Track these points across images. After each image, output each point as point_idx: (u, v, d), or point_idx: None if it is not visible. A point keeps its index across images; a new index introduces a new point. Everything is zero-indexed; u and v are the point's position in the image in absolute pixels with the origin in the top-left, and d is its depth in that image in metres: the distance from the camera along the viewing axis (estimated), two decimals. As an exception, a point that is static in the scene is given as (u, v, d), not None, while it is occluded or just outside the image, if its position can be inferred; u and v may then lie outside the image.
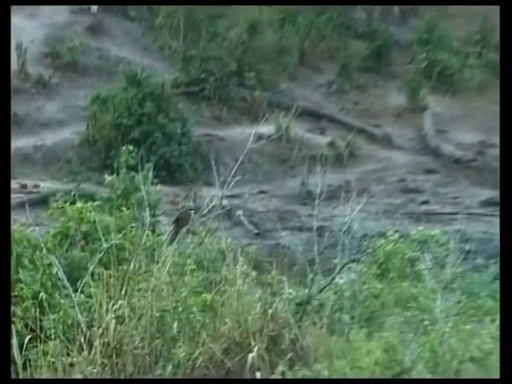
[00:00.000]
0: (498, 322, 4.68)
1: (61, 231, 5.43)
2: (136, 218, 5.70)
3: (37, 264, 5.03)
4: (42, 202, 8.79)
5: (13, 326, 4.59)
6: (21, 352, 4.48)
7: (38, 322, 4.68)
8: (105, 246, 5.02)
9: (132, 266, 4.93)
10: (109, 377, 4.53)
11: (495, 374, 4.31)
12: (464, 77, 16.54)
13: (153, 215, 6.14)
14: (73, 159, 13.10)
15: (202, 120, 14.71)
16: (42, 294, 4.76)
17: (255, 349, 4.61)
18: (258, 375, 4.55)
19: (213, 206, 5.86)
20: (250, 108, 15.03)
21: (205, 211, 5.92)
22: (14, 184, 11.30)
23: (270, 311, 4.79)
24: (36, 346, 4.57)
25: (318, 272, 5.17)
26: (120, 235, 5.20)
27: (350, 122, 15.36)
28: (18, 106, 13.37)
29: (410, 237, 6.16)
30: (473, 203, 12.73)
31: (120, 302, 4.70)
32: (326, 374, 4.52)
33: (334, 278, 5.27)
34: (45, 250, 5.09)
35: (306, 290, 5.07)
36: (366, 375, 4.55)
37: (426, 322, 4.90)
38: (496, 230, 9.44)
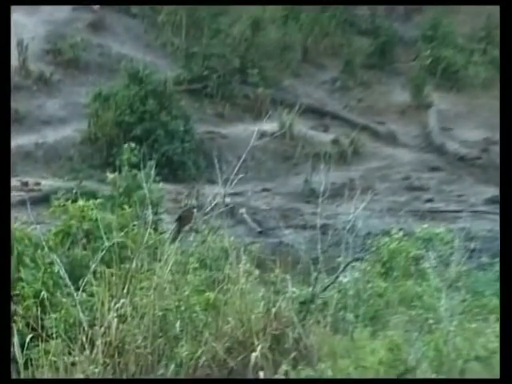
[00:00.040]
0: (502, 320, 4.63)
1: (62, 229, 5.41)
2: (138, 216, 5.67)
3: (38, 262, 5.00)
4: (43, 199, 8.77)
5: (14, 324, 4.57)
6: (22, 351, 4.46)
7: (40, 321, 4.66)
8: (107, 244, 5.00)
9: (134, 265, 4.90)
10: (111, 376, 4.51)
11: (501, 373, 4.27)
12: (469, 73, 16.47)
13: (155, 213, 6.12)
14: (74, 157, 13.08)
15: (204, 117, 14.69)
16: (44, 293, 4.74)
17: (258, 348, 4.58)
18: (261, 374, 4.52)
19: (215, 204, 5.84)
20: (253, 105, 14.99)
21: (207, 209, 5.90)
22: (15, 182, 11.29)
23: (274, 310, 4.76)
24: (37, 345, 4.55)
25: (322, 270, 5.14)
26: (122, 233, 5.17)
27: (354, 120, 15.31)
28: (19, 104, 13.35)
29: (414, 235, 6.13)
30: (478, 201, 12.68)
31: (122, 300, 4.67)
32: (329, 374, 4.49)
33: (337, 277, 5.24)
34: (46, 249, 5.07)
35: (310, 289, 5.04)
36: (370, 374, 4.51)
37: (431, 321, 4.88)
38: (501, 228, 9.35)
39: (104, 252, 4.95)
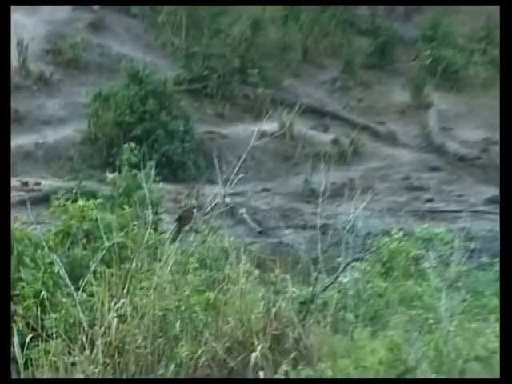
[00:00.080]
0: (503, 320, 4.63)
1: (62, 229, 5.40)
2: (138, 216, 5.66)
3: (38, 262, 5.00)
4: (43, 199, 8.77)
5: (14, 324, 4.57)
6: (22, 351, 4.45)
7: (40, 321, 4.66)
8: (107, 244, 4.99)
9: (134, 265, 4.90)
10: (111, 376, 4.50)
11: (501, 373, 4.26)
12: (469, 73, 16.46)
13: (155, 213, 6.11)
14: (74, 157, 13.07)
15: (204, 117, 14.68)
16: (44, 293, 4.73)
17: (258, 348, 4.58)
18: (261, 374, 4.51)
19: (215, 204, 5.83)
20: (253, 105, 14.98)
21: (207, 209, 5.89)
22: (15, 182, 11.28)
23: (274, 310, 4.76)
24: (37, 345, 4.55)
25: (322, 270, 5.14)
26: (122, 233, 5.17)
27: (354, 120, 15.30)
28: (19, 104, 13.34)
29: (414, 235, 6.12)
30: (478, 201, 12.67)
31: (122, 300, 4.67)
32: (329, 374, 4.49)
33: (337, 277, 5.24)
34: (46, 249, 5.06)
35: (310, 289, 5.04)
36: (370, 374, 4.51)
37: (431, 321, 4.87)
38: (501, 228, 9.34)
39: (104, 252, 4.94)
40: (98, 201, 5.63)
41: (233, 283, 4.88)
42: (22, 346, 4.47)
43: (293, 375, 4.50)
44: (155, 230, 5.66)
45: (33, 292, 4.80)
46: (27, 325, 4.66)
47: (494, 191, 12.64)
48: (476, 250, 6.25)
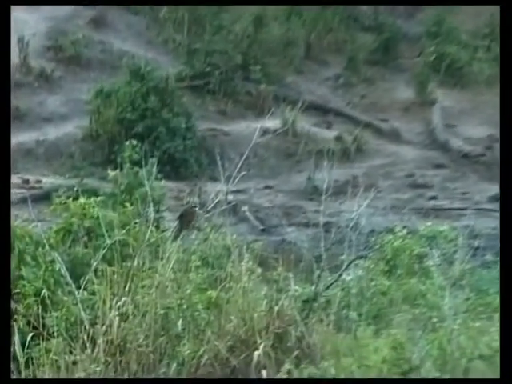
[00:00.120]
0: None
1: (63, 227, 5.38)
2: (140, 213, 5.64)
3: (39, 261, 4.98)
4: (44, 197, 8.76)
5: (15, 323, 4.55)
6: (23, 350, 4.43)
7: (41, 320, 4.63)
8: (108, 242, 4.97)
9: (136, 263, 4.87)
10: (112, 375, 4.47)
11: (505, 372, 4.23)
12: (473, 70, 16.39)
13: (157, 211, 6.09)
14: (76, 154, 13.04)
15: (206, 114, 14.64)
16: (45, 291, 4.71)
17: (261, 346, 4.56)
18: (264, 373, 4.49)
19: (218, 202, 5.80)
20: (256, 102, 14.94)
21: (210, 207, 5.86)
22: (16, 179, 11.27)
23: (276, 308, 4.73)
24: (38, 344, 4.53)
25: (325, 268, 5.11)
26: (124, 231, 5.15)
27: (357, 116, 15.25)
28: (20, 100, 13.32)
29: (418, 233, 6.08)
30: (482, 198, 12.62)
31: (124, 299, 4.65)
32: (332, 372, 4.46)
33: (340, 275, 5.21)
34: (47, 247, 5.04)
35: (313, 287, 5.02)
36: (373, 373, 4.48)
37: (435, 320, 4.84)
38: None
39: (105, 250, 4.92)
40: (100, 198, 5.60)
41: (235, 281, 4.86)
42: (22, 344, 4.46)
43: (296, 374, 4.47)
44: (157, 227, 5.63)
45: (34, 290, 4.78)
46: (28, 323, 4.64)
47: (498, 189, 12.56)
48: (480, 248, 6.22)
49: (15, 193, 9.28)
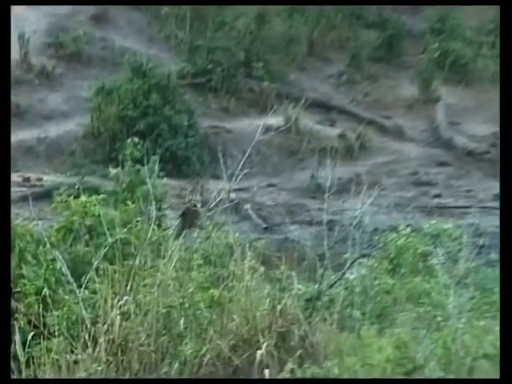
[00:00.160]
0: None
1: (65, 225, 5.35)
2: (141, 211, 5.61)
3: (40, 259, 4.95)
4: (45, 195, 8.73)
5: (15, 322, 4.53)
6: (24, 349, 4.41)
7: (42, 319, 4.61)
8: (110, 240, 4.95)
9: (137, 261, 4.85)
10: (114, 374, 4.45)
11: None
12: (477, 67, 16.30)
13: (159, 209, 6.05)
14: (77, 152, 13.02)
15: (208, 112, 14.60)
16: (46, 290, 4.69)
17: (264, 346, 4.53)
18: (267, 373, 4.45)
19: (220, 200, 5.77)
20: (258, 99, 14.90)
21: (212, 205, 5.82)
22: (16, 177, 11.25)
23: (279, 307, 4.71)
24: (39, 343, 4.51)
25: (328, 267, 5.08)
26: (125, 229, 5.12)
27: (361, 114, 15.20)
28: (20, 98, 13.29)
29: (422, 231, 6.05)
30: (486, 196, 12.55)
31: (125, 297, 4.62)
32: (336, 372, 4.43)
33: (344, 273, 5.18)
34: (48, 245, 5.02)
35: (316, 286, 4.99)
36: (377, 372, 4.45)
37: (439, 318, 4.82)
38: (509, 224, 9.25)
39: (107, 248, 4.90)
40: (101, 196, 5.57)
41: (238, 280, 4.83)
42: (23, 343, 4.43)
43: (299, 373, 4.44)
44: (159, 226, 5.61)
45: (35, 289, 4.75)
46: (29, 322, 4.62)
47: (502, 186, 12.48)
48: (485, 246, 6.18)
49: (16, 191, 9.26)
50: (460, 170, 13.76)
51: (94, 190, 6.13)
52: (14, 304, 4.63)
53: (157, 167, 6.56)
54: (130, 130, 12.76)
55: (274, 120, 13.25)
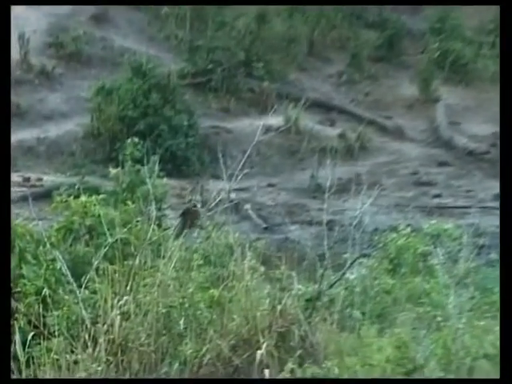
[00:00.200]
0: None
1: (65, 225, 5.35)
2: (142, 211, 5.61)
3: (40, 259, 4.95)
4: (45, 195, 8.73)
5: (15, 322, 4.53)
6: (24, 349, 4.40)
7: (42, 319, 4.61)
8: (110, 240, 4.95)
9: (137, 261, 4.85)
10: (114, 374, 4.45)
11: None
12: (477, 67, 16.30)
13: (159, 209, 6.06)
14: (77, 152, 13.02)
15: (209, 112, 14.60)
16: (46, 290, 4.69)
17: (264, 346, 4.53)
18: (267, 373, 4.45)
19: (220, 200, 5.77)
20: (259, 99, 14.90)
21: (212, 205, 5.82)
22: (16, 177, 11.25)
23: (279, 307, 4.70)
24: (39, 343, 4.50)
25: (328, 267, 5.08)
26: (125, 229, 5.12)
27: (361, 114, 15.19)
28: (20, 98, 13.29)
29: (422, 231, 6.05)
30: (487, 196, 12.55)
31: (125, 297, 4.62)
32: (336, 372, 4.43)
33: (344, 273, 5.18)
34: (48, 245, 5.01)
35: (316, 286, 4.98)
36: (377, 372, 4.45)
37: (439, 318, 4.82)
38: (510, 224, 9.26)
39: (107, 248, 4.89)
40: (101, 196, 5.57)
41: (238, 280, 4.82)
42: (23, 343, 4.43)
43: (299, 373, 4.44)
44: (159, 226, 5.61)
45: (35, 289, 4.75)
46: (29, 322, 4.61)
47: (502, 186, 12.47)
48: (485, 247, 6.18)
49: (16, 191, 9.26)
50: (460, 170, 13.76)
51: (94, 190, 6.13)
52: (14, 304, 4.62)
53: (157, 167, 6.56)
54: (129, 130, 12.76)
55: (275, 120, 13.25)
